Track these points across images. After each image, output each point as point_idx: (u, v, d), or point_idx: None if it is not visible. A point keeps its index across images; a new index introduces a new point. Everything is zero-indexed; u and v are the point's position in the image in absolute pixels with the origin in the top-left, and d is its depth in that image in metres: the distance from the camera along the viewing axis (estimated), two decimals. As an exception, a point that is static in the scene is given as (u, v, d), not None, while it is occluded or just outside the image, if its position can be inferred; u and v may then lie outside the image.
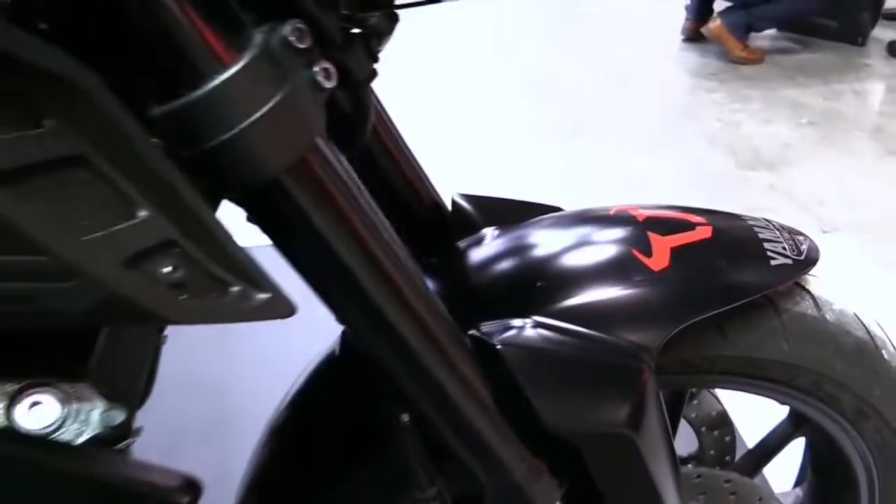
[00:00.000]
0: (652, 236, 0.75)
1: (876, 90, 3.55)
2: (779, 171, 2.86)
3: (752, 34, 3.79)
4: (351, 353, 0.76)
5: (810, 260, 0.77)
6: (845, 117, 3.27)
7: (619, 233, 0.76)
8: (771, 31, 3.97)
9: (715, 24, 3.74)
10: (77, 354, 0.50)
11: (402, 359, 0.60)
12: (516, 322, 0.68)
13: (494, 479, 0.67)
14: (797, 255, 0.77)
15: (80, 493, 0.48)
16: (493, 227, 0.82)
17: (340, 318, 0.59)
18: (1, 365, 0.47)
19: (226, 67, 0.44)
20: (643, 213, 0.79)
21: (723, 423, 1.03)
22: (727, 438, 1.04)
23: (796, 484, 1.04)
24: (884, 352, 0.83)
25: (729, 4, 3.73)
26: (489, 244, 0.79)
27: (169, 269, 0.43)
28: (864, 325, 0.82)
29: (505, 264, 0.76)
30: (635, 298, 0.71)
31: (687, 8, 3.92)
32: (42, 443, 0.48)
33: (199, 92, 0.44)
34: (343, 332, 0.77)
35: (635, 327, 0.70)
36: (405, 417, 0.69)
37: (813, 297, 0.80)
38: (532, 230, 0.80)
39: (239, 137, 0.45)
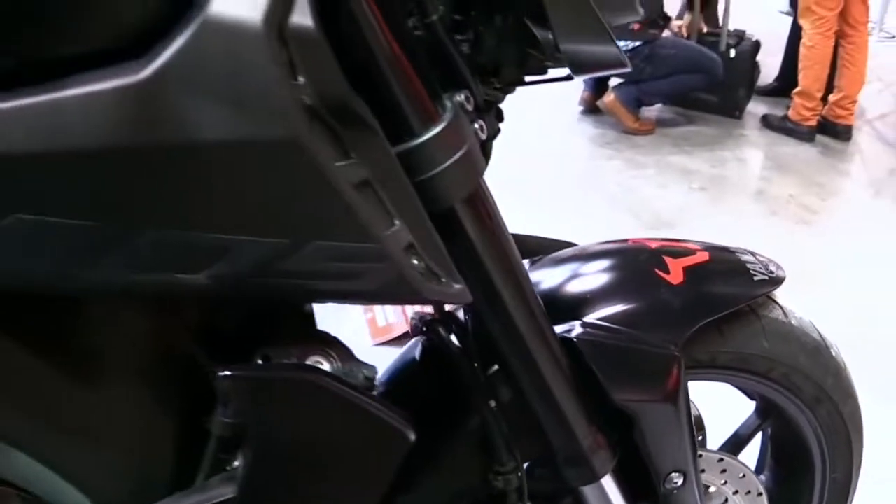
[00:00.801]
0: (667, 259, 0.99)
1: (755, 158, 4.06)
2: (678, 229, 3.23)
3: (643, 107, 4.25)
4: (429, 357, 0.94)
5: (780, 278, 1.03)
6: (731, 182, 3.72)
7: (640, 257, 1.00)
8: (659, 105, 4.46)
9: (609, 97, 4.18)
10: None
11: (517, 346, 0.80)
12: (579, 325, 0.90)
13: (567, 448, 0.88)
14: (770, 274, 1.03)
15: (354, 417, 0.65)
16: (526, 260, 1.04)
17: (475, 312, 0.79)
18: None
19: (436, 124, 0.64)
20: (653, 244, 1.03)
21: (698, 425, 1.27)
22: (699, 437, 1.28)
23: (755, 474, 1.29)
24: (832, 350, 1.10)
25: (621, 80, 4.18)
26: (533, 273, 1.00)
27: (415, 262, 0.62)
28: (816, 329, 1.09)
29: (553, 284, 0.98)
30: (662, 305, 0.95)
31: (584, 81, 4.35)
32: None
33: (419, 140, 0.64)
34: (423, 342, 0.95)
35: (665, 327, 0.93)
36: (493, 403, 0.89)
37: (781, 307, 1.07)
38: (566, 260, 1.02)
39: (440, 174, 0.65)
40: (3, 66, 0.47)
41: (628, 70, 0.70)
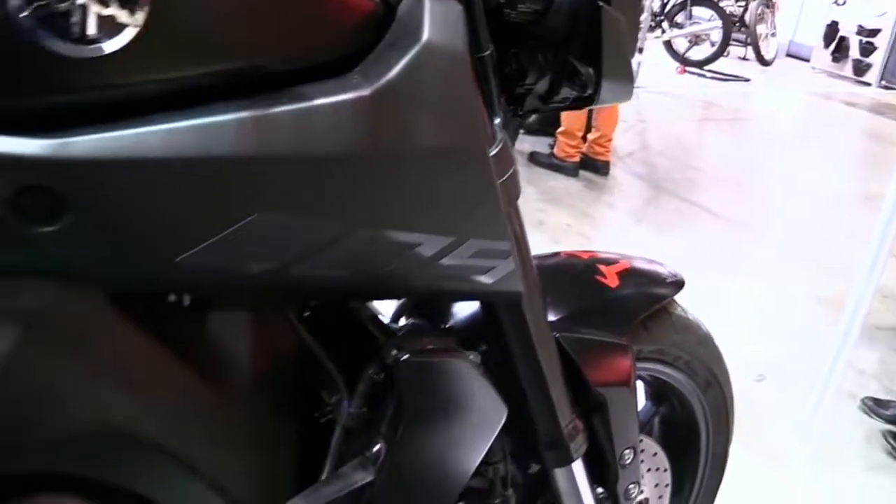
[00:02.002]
0: (601, 267, 1.18)
1: (529, 192, 4.48)
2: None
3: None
4: None
5: (682, 281, 1.26)
6: (515, 214, 4.09)
7: (579, 266, 1.18)
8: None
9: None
10: None
11: (525, 340, 0.93)
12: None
13: (550, 433, 1.02)
14: (675, 277, 1.26)
15: (482, 396, 0.73)
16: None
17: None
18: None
19: (495, 144, 0.78)
20: (584, 255, 1.22)
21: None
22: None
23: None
24: (714, 341, 1.35)
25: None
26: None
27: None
28: (703, 325, 1.34)
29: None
30: (608, 305, 1.13)
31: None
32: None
33: (492, 154, 0.76)
34: None
35: (614, 323, 1.12)
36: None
37: (680, 305, 1.30)
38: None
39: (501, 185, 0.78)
40: (236, 76, 0.53)
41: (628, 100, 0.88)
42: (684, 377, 1.30)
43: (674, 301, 1.28)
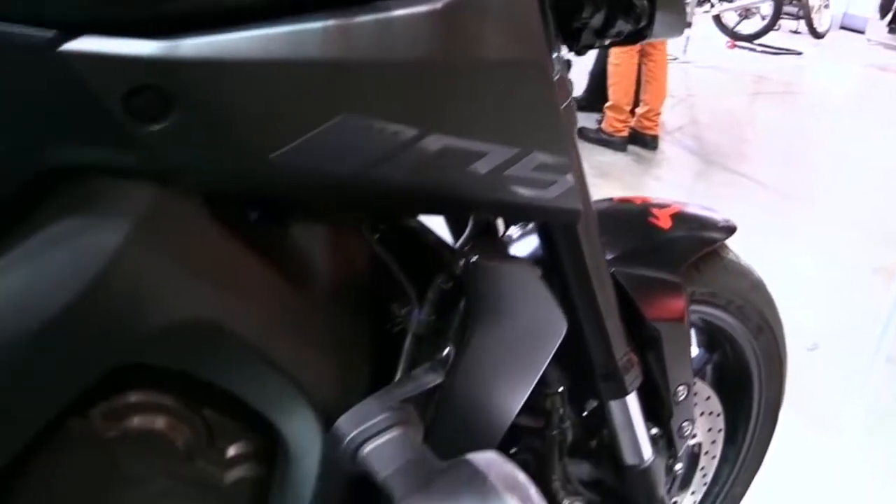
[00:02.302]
0: (654, 210, 1.22)
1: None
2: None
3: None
4: None
5: (734, 226, 1.29)
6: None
7: (633, 210, 1.22)
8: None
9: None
10: None
11: (581, 271, 0.97)
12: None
13: (605, 364, 1.06)
14: (727, 222, 1.29)
15: (544, 305, 0.79)
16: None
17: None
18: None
19: (556, 73, 0.82)
20: (637, 200, 1.26)
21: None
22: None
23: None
24: (767, 288, 1.38)
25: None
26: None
27: None
28: (755, 272, 1.37)
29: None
30: (662, 245, 1.17)
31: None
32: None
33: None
34: None
35: (668, 262, 1.15)
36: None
37: (733, 251, 1.33)
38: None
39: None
40: None
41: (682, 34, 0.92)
42: (736, 322, 1.33)
43: (725, 246, 1.31)
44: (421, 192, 0.66)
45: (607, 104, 4.65)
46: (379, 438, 0.69)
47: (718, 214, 1.29)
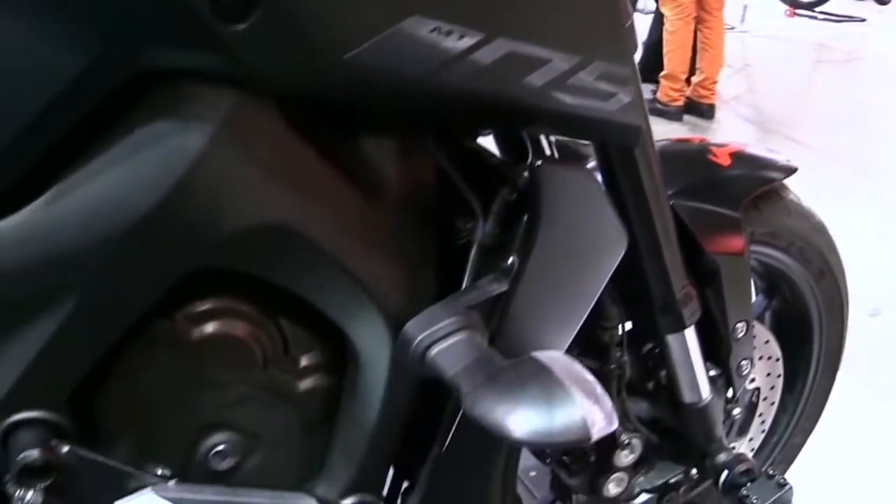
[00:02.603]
0: (713, 148, 1.23)
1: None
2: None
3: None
4: None
5: (795, 167, 1.30)
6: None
7: (692, 148, 1.23)
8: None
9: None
10: None
11: (641, 201, 0.98)
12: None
13: (664, 296, 1.07)
14: (788, 164, 1.29)
15: (602, 213, 0.82)
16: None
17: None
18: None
19: None
20: (696, 139, 1.27)
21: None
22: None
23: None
24: (828, 231, 1.38)
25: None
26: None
27: None
28: (817, 214, 1.37)
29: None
30: (721, 181, 1.18)
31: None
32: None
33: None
34: None
35: (727, 198, 1.16)
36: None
37: (794, 193, 1.33)
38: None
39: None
40: None
41: None
42: (797, 265, 1.33)
43: (786, 187, 1.31)
44: (484, 100, 0.68)
45: (662, 73, 4.61)
46: (446, 341, 0.72)
47: (778, 154, 1.29)
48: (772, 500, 1.20)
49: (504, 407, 0.63)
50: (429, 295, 0.78)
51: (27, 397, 0.68)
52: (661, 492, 1.41)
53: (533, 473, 1.33)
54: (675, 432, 1.24)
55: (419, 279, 0.77)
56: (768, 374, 1.39)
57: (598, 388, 0.65)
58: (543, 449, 1.15)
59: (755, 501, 1.20)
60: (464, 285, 0.78)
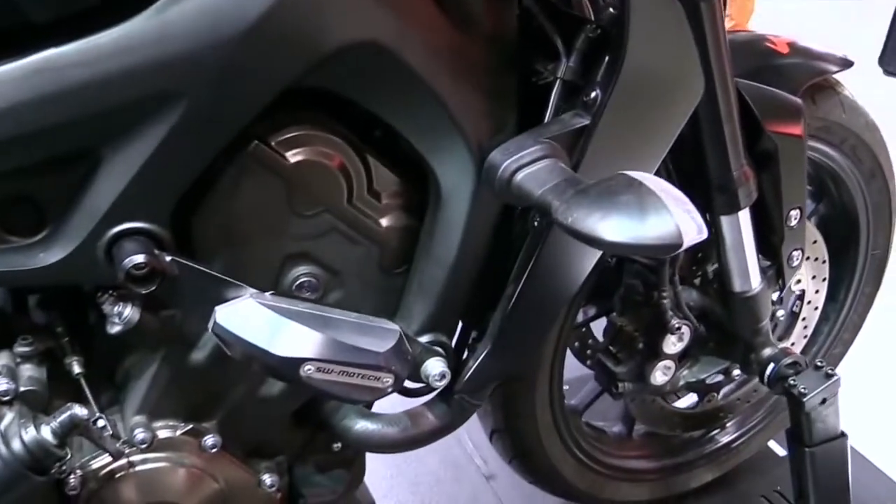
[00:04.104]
0: (771, 37, 1.26)
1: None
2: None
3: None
4: None
5: (851, 61, 1.33)
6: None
7: (751, 36, 1.26)
8: None
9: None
10: None
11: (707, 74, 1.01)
12: None
13: (721, 176, 1.10)
14: (844, 57, 1.33)
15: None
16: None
17: None
18: None
19: None
20: (755, 31, 1.30)
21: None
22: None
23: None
24: (881, 130, 1.41)
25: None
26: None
27: None
28: (870, 114, 1.40)
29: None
30: (780, 67, 1.22)
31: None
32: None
33: None
34: None
35: (786, 83, 1.20)
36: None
37: (848, 90, 1.37)
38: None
39: None
40: None
41: None
42: (849, 163, 1.37)
43: (841, 84, 1.34)
44: None
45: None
46: (532, 167, 0.77)
47: (834, 49, 1.33)
48: (819, 389, 1.25)
49: (597, 213, 0.67)
50: (511, 128, 0.82)
51: (133, 208, 0.72)
52: (703, 391, 1.46)
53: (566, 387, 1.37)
54: (721, 325, 1.29)
55: (503, 112, 0.81)
56: (814, 277, 1.43)
57: (690, 203, 0.69)
58: (631, 258, 1.19)
59: (803, 390, 1.25)
60: (546, 119, 0.83)
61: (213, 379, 0.86)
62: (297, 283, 0.84)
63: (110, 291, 0.79)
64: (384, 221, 0.86)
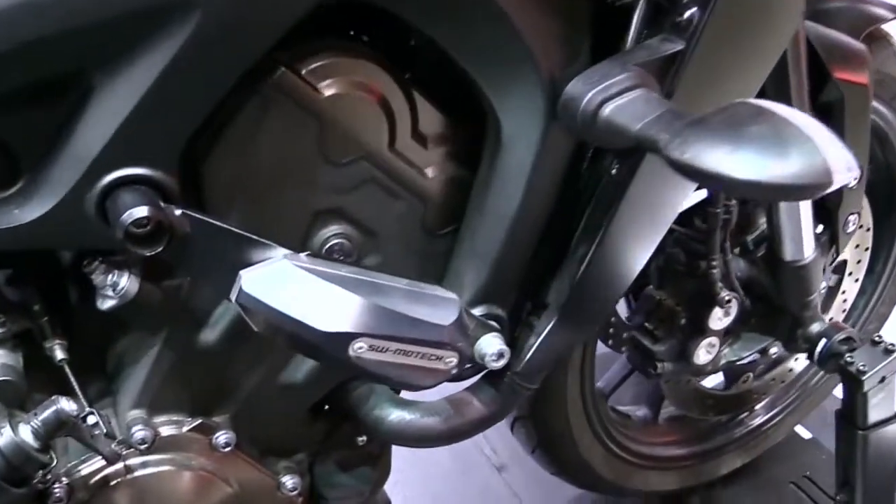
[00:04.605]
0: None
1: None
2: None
3: None
4: None
5: (906, 14, 1.22)
6: None
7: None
8: None
9: None
10: None
11: None
12: None
13: None
14: (897, 5, 1.21)
15: None
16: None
17: None
18: None
19: None
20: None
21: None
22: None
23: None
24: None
25: None
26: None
27: None
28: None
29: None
30: (839, 11, 1.10)
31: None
32: None
33: None
34: None
35: (844, 28, 1.08)
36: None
37: (898, 40, 1.25)
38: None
39: None
40: None
41: None
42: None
43: (892, 35, 1.24)
44: None
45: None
46: (622, 97, 0.63)
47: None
48: (880, 367, 1.14)
49: (724, 147, 0.54)
50: (585, 57, 0.68)
51: (133, 150, 0.58)
52: (737, 372, 1.35)
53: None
54: (767, 298, 1.17)
55: (576, 37, 0.68)
56: (857, 246, 1.33)
57: (834, 134, 0.56)
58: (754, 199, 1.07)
59: (862, 368, 1.14)
60: (627, 46, 0.69)
61: (227, 363, 0.71)
62: (327, 245, 0.70)
63: (99, 258, 0.64)
64: (430, 172, 0.72)
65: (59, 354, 0.68)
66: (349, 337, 0.59)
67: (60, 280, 0.72)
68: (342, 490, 0.86)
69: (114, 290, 0.63)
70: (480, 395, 0.82)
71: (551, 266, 0.78)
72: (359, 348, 0.59)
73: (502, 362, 0.73)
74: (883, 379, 1.16)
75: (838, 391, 1.51)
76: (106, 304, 0.64)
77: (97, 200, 0.59)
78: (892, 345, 1.16)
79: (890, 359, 1.15)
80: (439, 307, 0.65)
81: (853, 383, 1.15)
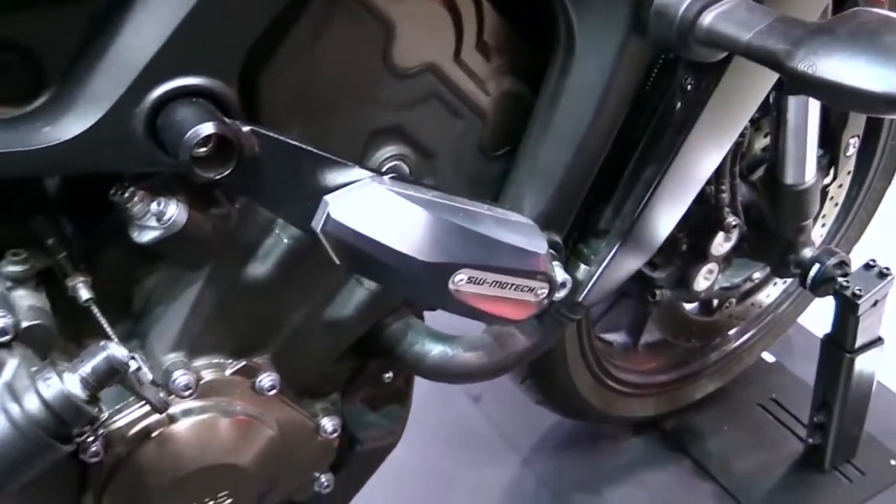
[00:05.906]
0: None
1: None
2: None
3: None
4: None
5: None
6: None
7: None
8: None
9: None
10: None
11: None
12: None
13: None
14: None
15: None
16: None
17: None
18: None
19: None
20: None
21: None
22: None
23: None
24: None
25: None
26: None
27: None
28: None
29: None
30: None
31: None
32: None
33: None
34: None
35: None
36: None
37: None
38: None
39: None
40: None
41: None
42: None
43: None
44: None
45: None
46: (721, 5, 0.58)
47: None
48: (875, 290, 1.15)
49: (860, 59, 0.50)
50: None
51: (191, 58, 0.50)
52: (720, 298, 1.35)
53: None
54: (762, 223, 1.16)
55: None
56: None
57: None
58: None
59: (857, 292, 1.15)
60: None
61: (273, 300, 0.64)
62: (383, 167, 0.63)
63: (135, 184, 0.56)
64: (492, 87, 0.66)
65: (84, 294, 0.60)
66: (452, 268, 0.53)
67: (71, 209, 0.63)
68: (374, 430, 0.81)
69: (159, 221, 0.56)
70: (524, 327, 0.78)
71: (605, 191, 0.74)
72: (459, 280, 0.54)
73: (564, 292, 0.69)
74: (875, 303, 1.17)
75: (803, 318, 1.55)
76: (146, 236, 0.57)
77: (147, 115, 0.51)
78: (886, 269, 1.17)
79: (884, 282, 1.16)
80: (529, 234, 0.60)
81: (849, 307, 1.16)
